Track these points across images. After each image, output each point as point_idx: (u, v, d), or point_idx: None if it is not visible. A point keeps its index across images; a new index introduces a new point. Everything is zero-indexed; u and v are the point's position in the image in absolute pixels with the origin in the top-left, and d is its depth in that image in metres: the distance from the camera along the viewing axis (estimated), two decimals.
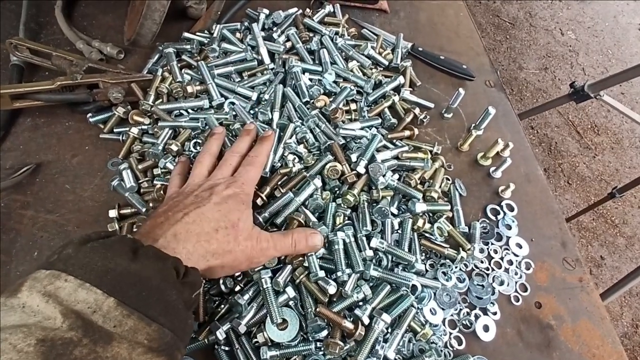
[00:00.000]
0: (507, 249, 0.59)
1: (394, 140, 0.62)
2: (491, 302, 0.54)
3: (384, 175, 0.55)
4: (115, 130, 0.61)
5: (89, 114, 0.61)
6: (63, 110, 0.62)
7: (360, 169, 0.55)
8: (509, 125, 0.72)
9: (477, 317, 0.53)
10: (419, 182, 0.58)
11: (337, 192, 0.55)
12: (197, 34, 0.71)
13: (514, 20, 2.68)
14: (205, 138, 0.57)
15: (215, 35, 0.70)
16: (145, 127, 0.60)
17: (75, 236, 0.36)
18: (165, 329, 0.32)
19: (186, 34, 0.70)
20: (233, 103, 0.62)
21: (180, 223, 0.42)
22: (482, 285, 0.55)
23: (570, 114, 2.30)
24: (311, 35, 0.72)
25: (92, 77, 0.59)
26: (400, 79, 0.69)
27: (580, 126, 2.25)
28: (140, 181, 0.55)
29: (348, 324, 0.46)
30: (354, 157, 0.55)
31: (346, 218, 0.53)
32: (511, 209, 0.62)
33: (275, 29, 0.73)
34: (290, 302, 0.48)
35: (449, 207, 0.57)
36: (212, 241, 0.42)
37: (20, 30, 0.69)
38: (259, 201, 0.51)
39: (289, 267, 0.48)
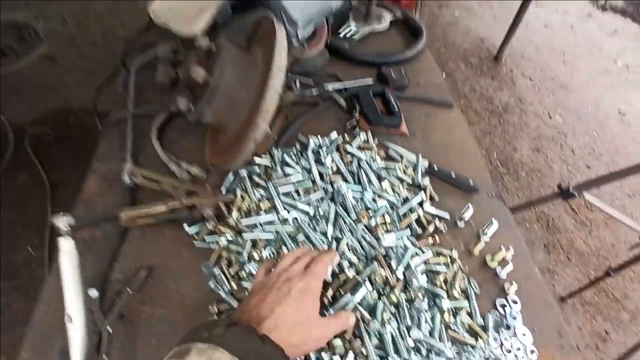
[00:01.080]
0: (515, 337, 0.73)
1: (421, 247, 0.80)
2: None
3: (417, 279, 0.71)
4: (206, 239, 0.79)
5: (185, 225, 0.79)
6: (165, 223, 0.81)
7: (399, 274, 0.72)
8: (509, 231, 0.90)
9: None
10: (443, 282, 0.75)
11: (383, 292, 0.72)
12: (263, 156, 0.92)
13: (506, 106, 3.00)
14: (279, 248, 0.75)
15: (276, 158, 0.91)
16: (230, 237, 0.78)
17: (216, 321, 0.50)
18: None
19: (256, 159, 0.91)
20: (296, 218, 0.81)
21: (271, 319, 0.52)
22: None
23: None
24: (351, 159, 0.93)
25: (191, 199, 0.79)
26: (423, 195, 0.88)
27: (574, 203, 2.45)
28: (230, 282, 0.72)
29: None
30: (394, 265, 0.73)
31: (391, 314, 0.69)
32: (515, 303, 0.78)
33: (322, 152, 0.94)
34: None
35: (467, 303, 0.73)
36: (293, 336, 0.52)
37: (127, 155, 0.90)
38: (325, 300, 0.68)
39: (351, 355, 0.63)
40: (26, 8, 3.24)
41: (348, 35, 1.28)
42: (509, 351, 0.72)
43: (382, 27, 1.31)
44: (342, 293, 0.69)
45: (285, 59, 0.71)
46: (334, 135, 0.98)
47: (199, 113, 0.77)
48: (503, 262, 0.82)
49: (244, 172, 0.87)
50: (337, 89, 1.12)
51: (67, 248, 0.68)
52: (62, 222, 0.68)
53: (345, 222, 0.79)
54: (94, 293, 0.68)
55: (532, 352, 0.72)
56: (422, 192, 0.89)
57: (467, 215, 0.86)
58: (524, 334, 0.74)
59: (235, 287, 0.72)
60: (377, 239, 0.77)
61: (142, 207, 0.76)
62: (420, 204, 0.88)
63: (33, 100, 2.72)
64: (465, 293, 0.77)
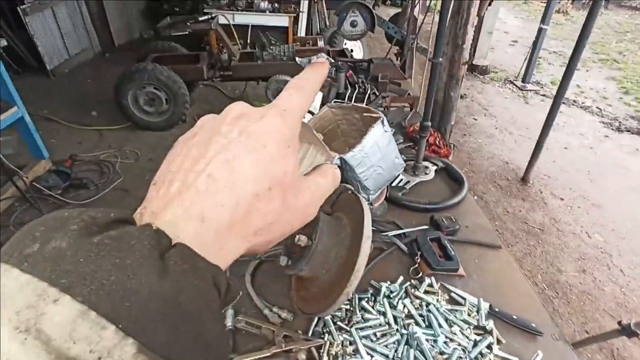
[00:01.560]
0: None
1: None
2: None
3: None
4: None
5: None
6: None
7: None
8: None
9: None
10: None
11: None
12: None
13: (542, 226, 3.09)
14: None
15: (354, 303, 1.04)
16: None
17: (69, 217, 0.22)
18: None
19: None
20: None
21: (204, 194, 0.25)
22: None
23: (623, 317, 2.40)
24: (420, 303, 1.05)
25: (288, 344, 0.91)
26: (490, 339, 0.97)
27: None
28: None
29: None
30: None
31: None
32: None
33: (392, 297, 1.07)
34: None
35: None
36: (253, 214, 0.27)
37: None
38: None
39: None
40: (108, 147, 3.87)
41: (400, 185, 1.51)
42: None
43: (428, 177, 1.55)
44: None
45: (371, 227, 0.91)
46: (400, 279, 1.12)
47: (299, 269, 0.94)
48: None
49: (328, 317, 1.00)
50: (397, 234, 1.30)
51: None
52: None
53: None
54: None
55: None
56: (490, 335, 0.98)
57: None
58: None
59: None
60: None
61: (250, 354, 0.89)
62: (489, 347, 0.96)
63: None
64: None
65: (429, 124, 1.50)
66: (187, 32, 3.95)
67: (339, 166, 0.81)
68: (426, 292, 1.10)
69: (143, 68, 3.61)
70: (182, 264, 0.22)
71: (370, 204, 1.22)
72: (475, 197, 3.22)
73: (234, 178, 0.26)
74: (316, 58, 0.37)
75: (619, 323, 1.40)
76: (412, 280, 1.13)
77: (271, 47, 3.95)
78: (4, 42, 2.80)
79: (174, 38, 4.03)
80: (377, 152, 1.12)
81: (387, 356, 0.92)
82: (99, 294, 0.18)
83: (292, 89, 0.33)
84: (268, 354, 0.89)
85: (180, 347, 0.20)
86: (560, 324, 2.32)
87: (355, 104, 1.44)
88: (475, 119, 4.80)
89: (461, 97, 4.28)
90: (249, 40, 5.65)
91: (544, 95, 5.61)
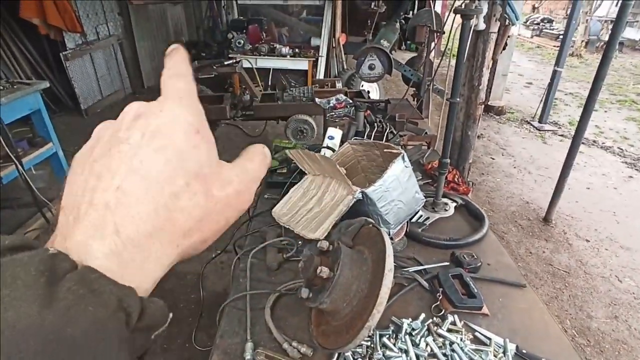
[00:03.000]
0: None
1: None
2: None
3: None
4: None
5: None
6: None
7: None
8: None
9: None
10: None
11: None
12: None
13: (568, 269, 2.97)
14: None
15: (375, 339, 1.02)
16: None
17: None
18: None
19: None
20: None
21: (111, 206, 0.23)
22: None
23: None
24: (443, 341, 1.02)
25: None
26: None
27: None
28: None
29: None
30: None
31: None
32: None
33: (414, 334, 1.04)
34: None
35: None
36: (176, 216, 0.25)
37: (247, 331, 1.06)
38: None
39: None
40: None
41: (420, 221, 1.51)
42: None
43: (448, 214, 1.55)
44: None
45: (393, 261, 0.91)
46: (422, 316, 1.10)
47: (320, 302, 0.94)
48: None
49: (348, 352, 0.98)
50: (418, 270, 1.29)
51: None
52: None
53: None
54: None
55: None
56: None
57: None
58: None
59: None
60: None
61: None
62: None
63: None
64: None
65: (448, 160, 1.52)
66: (212, 75, 4.18)
67: (358, 199, 0.82)
68: (449, 330, 1.07)
69: None
70: (78, 289, 0.20)
71: (391, 238, 1.23)
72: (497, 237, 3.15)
73: (146, 184, 0.24)
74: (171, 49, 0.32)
75: None
76: (435, 318, 1.10)
77: (291, 89, 4.12)
78: (47, 84, 3.02)
79: (201, 80, 4.26)
80: (398, 187, 1.14)
81: None
82: None
83: (173, 78, 0.29)
84: None
85: None
86: None
87: (376, 140, 1.49)
88: (493, 159, 4.79)
89: (478, 137, 4.31)
90: (270, 82, 5.92)
91: (562, 135, 5.58)
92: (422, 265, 1.31)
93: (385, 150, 1.26)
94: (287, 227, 1.20)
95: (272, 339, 1.06)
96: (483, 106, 2.27)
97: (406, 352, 0.99)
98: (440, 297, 1.19)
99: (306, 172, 1.37)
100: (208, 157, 0.27)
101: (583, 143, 4.66)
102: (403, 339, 1.01)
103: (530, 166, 4.62)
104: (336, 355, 1.00)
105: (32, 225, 2.90)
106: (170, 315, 0.25)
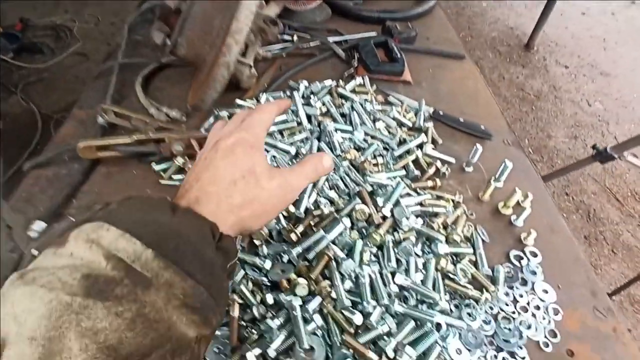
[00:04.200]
0: (533, 293, 0.60)
1: (418, 190, 0.68)
2: (519, 347, 0.54)
3: (407, 218, 0.60)
4: (173, 177, 0.71)
5: (153, 163, 0.72)
6: (133, 161, 0.74)
7: (386, 211, 0.61)
8: (528, 178, 0.76)
9: None
10: (441, 226, 0.62)
11: (365, 232, 0.61)
12: (247, 100, 0.84)
13: (539, 93, 2.79)
14: None
15: (262, 101, 0.83)
16: None
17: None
18: (200, 287, 0.32)
19: (238, 101, 0.83)
20: (274, 156, 0.71)
21: (196, 189, 0.40)
22: (509, 329, 0.55)
23: (607, 181, 2.26)
24: (344, 102, 0.83)
25: (160, 133, 0.72)
26: (423, 137, 0.77)
27: (620, 193, 2.20)
28: None
29: (373, 356, 0.48)
30: (380, 202, 0.62)
31: (372, 255, 0.58)
32: (535, 255, 0.64)
33: (312, 96, 0.85)
34: (318, 331, 0.51)
35: (471, 250, 0.61)
36: (234, 195, 0.40)
37: (107, 99, 0.85)
38: (293, 237, 0.57)
39: (318, 298, 0.52)
40: (64, 12, 3.42)
41: None
42: (525, 309, 0.58)
43: None
44: (315, 230, 0.58)
45: None
46: (328, 82, 0.89)
47: (173, 44, 0.70)
48: (519, 209, 0.69)
49: (224, 113, 0.79)
50: (337, 41, 1.03)
51: None
52: None
53: None
54: (40, 225, 0.61)
55: (556, 312, 0.58)
56: (424, 134, 0.78)
57: (476, 157, 0.73)
58: (546, 291, 0.60)
59: None
60: (364, 175, 0.66)
61: (104, 138, 0.70)
62: (420, 146, 0.76)
63: (63, 91, 2.83)
64: (470, 241, 0.64)
65: None
66: None
67: None
68: (356, 92, 0.87)
69: None
70: (187, 213, 0.37)
71: None
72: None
73: (214, 177, 0.41)
74: None
75: (594, 147, 1.21)
76: (342, 82, 0.90)
77: None
78: None
79: None
80: None
81: (287, 152, 0.73)
82: (131, 224, 0.32)
83: (253, 112, 0.48)
84: (128, 140, 0.69)
85: (183, 259, 0.32)
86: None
87: None
88: None
89: None
90: None
91: None
92: (343, 35, 1.05)
93: None
94: None
95: (142, 108, 0.86)
96: None
97: (296, 113, 0.80)
98: (356, 65, 0.96)
99: None
100: (260, 162, 0.43)
101: None
102: (294, 101, 0.81)
103: None
104: (212, 118, 0.81)
105: None
106: (239, 253, 0.49)
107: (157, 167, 0.71)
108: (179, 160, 0.70)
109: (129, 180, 0.72)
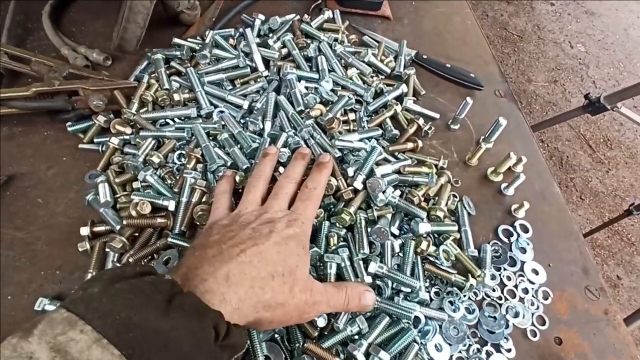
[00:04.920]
0: (521, 275, 0.53)
1: (396, 153, 0.57)
2: (505, 337, 0.48)
3: (383, 192, 0.49)
4: (95, 140, 0.56)
5: (68, 123, 0.57)
6: (42, 119, 0.58)
7: (358, 184, 0.50)
8: (521, 138, 0.66)
9: (488, 354, 0.46)
10: (422, 199, 0.53)
11: (332, 210, 0.50)
12: (189, 40, 0.67)
13: (522, 33, 2.64)
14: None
15: (207, 41, 0.66)
16: (127, 137, 0.55)
17: (107, 271, 0.31)
18: None
19: (176, 40, 0.66)
20: (222, 112, 0.58)
21: (235, 262, 0.35)
22: (494, 317, 0.48)
23: (582, 127, 2.23)
24: (309, 42, 0.68)
25: (71, 83, 0.55)
26: (403, 88, 0.64)
27: (593, 140, 2.18)
28: (117, 195, 0.51)
29: None
30: (350, 172, 0.50)
31: (341, 239, 0.48)
32: (525, 230, 0.56)
33: (271, 35, 0.69)
34: (276, 336, 0.42)
35: (456, 228, 0.52)
36: (267, 289, 0.35)
37: (3, 36, 0.66)
38: None
39: None
40: None
41: None
42: (513, 294, 0.51)
43: None
44: None
45: None
46: (289, 16, 0.73)
47: None
48: (510, 176, 0.59)
49: (158, 55, 0.63)
50: None
51: None
52: None
53: (288, 117, 0.56)
54: None
55: (545, 296, 0.52)
56: (404, 84, 0.65)
57: (464, 113, 0.62)
58: (536, 272, 0.53)
59: (123, 200, 0.50)
60: (332, 138, 0.54)
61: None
62: (399, 99, 0.64)
63: None
64: (454, 215, 0.55)
65: None
66: None
67: None
68: (324, 29, 0.72)
69: None
70: (184, 307, 0.29)
71: None
72: None
73: (259, 258, 0.36)
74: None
75: (586, 97, 1.13)
76: (307, 16, 0.73)
77: None
78: None
79: None
80: None
81: (239, 107, 0.59)
82: (111, 326, 0.25)
83: (307, 201, 0.45)
84: (26, 93, 0.53)
85: None
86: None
87: None
88: None
89: None
90: None
91: None
92: None
93: None
94: None
95: (52, 48, 0.68)
96: None
97: (249, 55, 0.64)
98: None
99: None
100: (303, 266, 0.39)
101: None
102: (247, 41, 0.65)
103: None
104: (144, 64, 0.65)
105: None
106: (248, 342, 0.38)
107: (72, 128, 0.56)
108: (101, 119, 0.55)
109: (37, 144, 0.57)
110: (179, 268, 0.36)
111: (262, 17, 0.70)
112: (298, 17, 0.72)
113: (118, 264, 0.46)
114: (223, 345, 0.30)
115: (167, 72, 0.62)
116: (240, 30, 0.70)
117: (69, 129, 0.56)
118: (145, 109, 0.58)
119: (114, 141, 0.54)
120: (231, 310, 0.33)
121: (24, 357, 0.24)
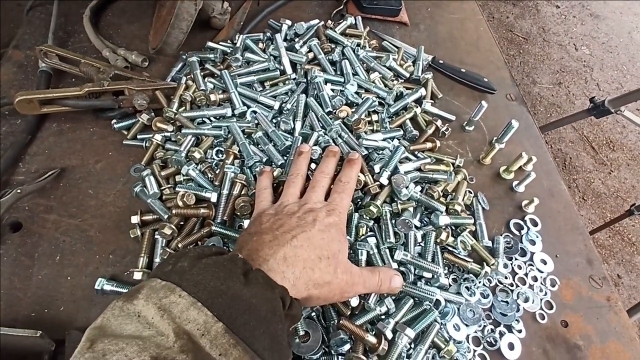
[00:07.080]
0: (531, 264, 0.57)
1: (416, 152, 0.62)
2: (516, 320, 0.52)
3: (407, 187, 0.54)
4: (138, 137, 0.61)
5: (113, 121, 0.62)
6: (88, 116, 0.63)
7: (384, 180, 0.54)
8: (531, 139, 0.71)
9: (501, 334, 0.51)
10: (441, 194, 0.57)
11: (360, 203, 0.55)
12: (221, 43, 0.72)
13: (527, 35, 2.68)
14: (226, 147, 0.58)
15: (238, 45, 0.71)
16: (168, 134, 0.60)
17: (191, 250, 0.36)
18: None
19: (210, 44, 0.71)
20: (255, 112, 0.62)
21: (289, 246, 0.40)
22: (507, 302, 0.53)
23: (585, 129, 2.27)
24: (333, 46, 0.72)
25: (118, 84, 0.60)
26: (422, 91, 0.69)
27: (595, 142, 2.23)
28: (162, 188, 0.55)
29: (371, 338, 0.45)
30: (377, 168, 0.55)
31: (369, 230, 0.53)
32: (535, 224, 0.61)
33: (297, 39, 0.73)
34: (313, 314, 0.47)
35: (472, 221, 0.56)
36: (316, 269, 0.40)
37: (49, 39, 0.71)
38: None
39: None
40: None
41: None
42: (523, 281, 0.56)
43: None
44: None
45: None
46: (314, 21, 0.77)
47: None
48: (521, 174, 0.64)
49: (194, 58, 0.68)
50: None
51: None
52: None
53: (318, 118, 0.61)
54: None
55: (553, 284, 0.56)
56: (422, 87, 0.69)
57: (478, 115, 0.66)
58: (544, 262, 0.58)
59: (168, 192, 0.55)
60: (359, 137, 0.59)
61: (48, 90, 0.58)
62: (419, 101, 0.69)
63: None
64: (470, 209, 0.60)
65: None
66: None
67: None
68: (347, 35, 0.76)
69: None
70: (259, 280, 0.35)
71: None
72: None
73: (308, 243, 0.41)
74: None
75: (591, 100, 1.18)
76: (330, 22, 0.78)
77: None
78: None
79: None
80: None
81: (270, 107, 0.64)
82: (203, 292, 0.31)
83: (342, 193, 0.49)
84: (79, 93, 0.58)
85: (253, 335, 0.31)
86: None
87: None
88: None
89: None
90: None
91: None
92: None
93: None
94: None
95: (93, 49, 0.73)
96: None
97: (278, 59, 0.69)
98: (346, 1, 0.84)
99: None
100: (344, 251, 0.44)
101: None
102: (276, 45, 0.70)
103: None
104: (180, 65, 0.70)
105: None
106: (303, 314, 0.45)
107: (117, 126, 0.61)
108: (144, 117, 0.60)
109: (85, 139, 0.62)
110: (240, 250, 0.41)
111: (289, 22, 0.75)
112: (322, 22, 0.76)
113: (167, 249, 0.50)
114: (287, 314, 0.35)
115: (202, 73, 0.67)
116: (268, 34, 0.75)
117: (115, 126, 0.61)
118: (184, 108, 0.63)
119: (157, 138, 0.59)
120: (290, 286, 0.37)
121: (132, 315, 0.29)
